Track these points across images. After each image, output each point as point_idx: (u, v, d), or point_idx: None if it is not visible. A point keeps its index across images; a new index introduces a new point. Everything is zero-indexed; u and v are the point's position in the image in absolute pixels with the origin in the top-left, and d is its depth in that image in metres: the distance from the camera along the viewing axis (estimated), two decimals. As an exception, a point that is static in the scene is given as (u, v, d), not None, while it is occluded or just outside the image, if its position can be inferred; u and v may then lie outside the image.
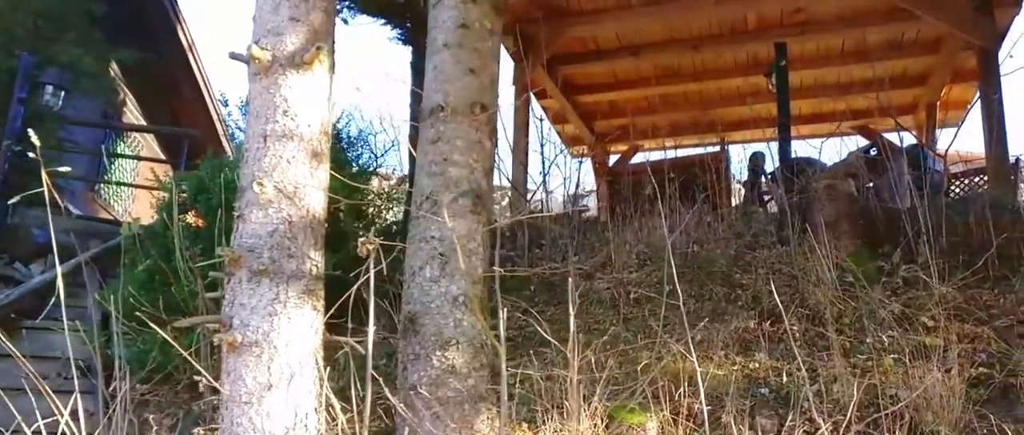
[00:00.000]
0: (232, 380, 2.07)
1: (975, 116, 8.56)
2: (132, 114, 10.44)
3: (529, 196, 8.08)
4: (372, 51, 14.65)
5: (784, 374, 3.55)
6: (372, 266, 2.23)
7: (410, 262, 2.77)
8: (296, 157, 2.22)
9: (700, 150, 9.36)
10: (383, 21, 9.00)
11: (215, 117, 11.22)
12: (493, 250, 4.27)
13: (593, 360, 3.67)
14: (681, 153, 9.71)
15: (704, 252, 4.88)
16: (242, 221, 2.16)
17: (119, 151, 10.19)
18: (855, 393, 3.18)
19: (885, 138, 9.99)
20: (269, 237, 2.15)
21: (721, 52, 8.78)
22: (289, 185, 2.19)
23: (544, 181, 7.31)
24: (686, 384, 3.30)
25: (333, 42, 2.40)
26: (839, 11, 7.93)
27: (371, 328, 2.29)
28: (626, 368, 3.61)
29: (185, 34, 10.30)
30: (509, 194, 8.12)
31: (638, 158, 11.11)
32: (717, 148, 8.90)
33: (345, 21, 7.83)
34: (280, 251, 2.13)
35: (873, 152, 6.77)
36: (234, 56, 2.25)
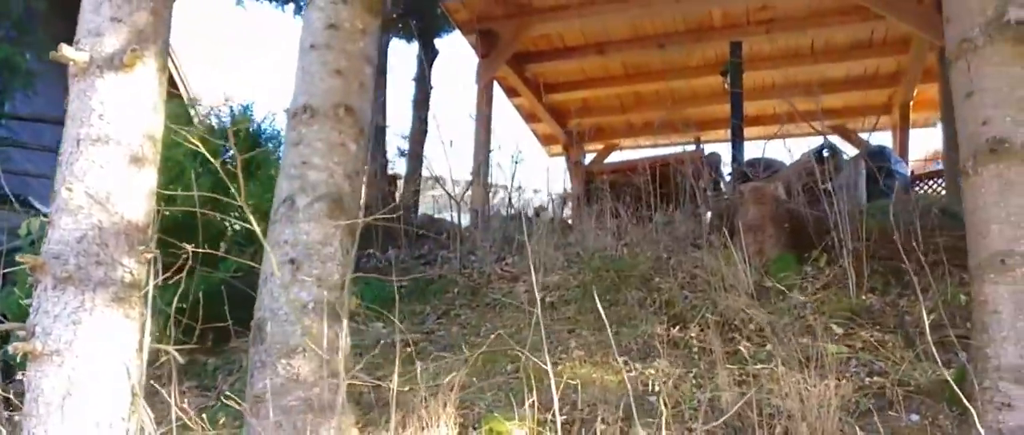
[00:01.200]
0: (32, 390, 2.03)
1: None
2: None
3: (492, 193, 8.05)
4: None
5: (675, 382, 3.48)
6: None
7: (264, 267, 2.72)
8: (111, 162, 2.17)
9: (677, 149, 9.29)
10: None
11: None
12: (400, 249, 4.19)
13: (482, 365, 3.63)
14: (658, 152, 9.70)
15: (629, 255, 4.80)
16: (52, 227, 2.12)
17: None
18: (729, 402, 3.13)
19: (859, 138, 9.88)
20: (77, 243, 2.10)
21: (689, 50, 8.67)
22: (101, 191, 2.15)
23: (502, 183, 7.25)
24: (578, 391, 3.25)
25: (165, 43, 2.35)
26: (805, 9, 7.81)
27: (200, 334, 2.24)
28: (510, 374, 3.55)
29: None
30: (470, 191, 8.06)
31: (618, 157, 11.14)
32: (692, 147, 8.82)
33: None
34: (87, 258, 2.09)
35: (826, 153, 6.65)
36: (54, 58, 2.20)
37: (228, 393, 2.78)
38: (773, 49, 8.72)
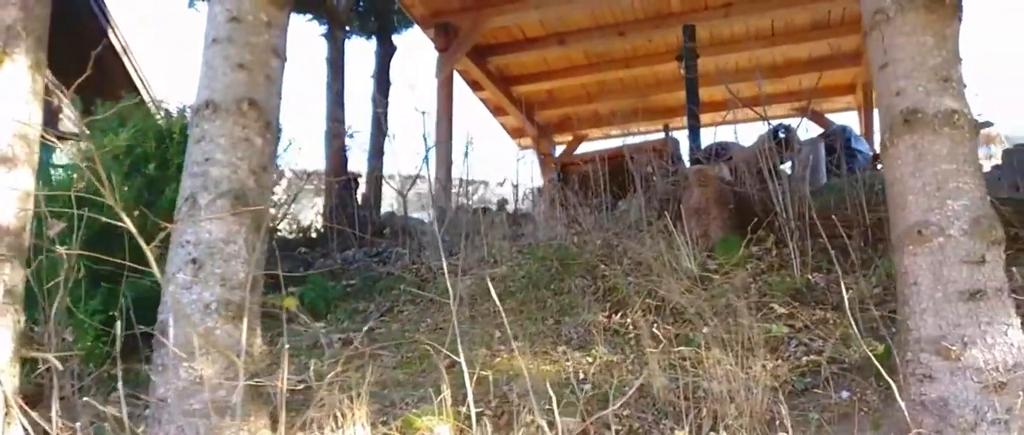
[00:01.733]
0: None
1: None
2: (70, 121, 10.34)
3: (456, 187, 7.99)
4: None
5: (610, 369, 3.44)
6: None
7: (167, 268, 2.66)
8: (-23, 163, 2.11)
9: (646, 137, 9.24)
10: (309, 17, 8.90)
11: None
12: (355, 249, 4.11)
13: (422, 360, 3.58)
14: (626, 141, 9.65)
15: (578, 244, 4.75)
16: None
17: (52, 161, 10.10)
18: (659, 388, 3.09)
19: (826, 119, 9.85)
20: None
21: (649, 36, 8.65)
22: (-34, 193, 2.09)
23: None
24: (516, 383, 3.21)
25: (40, 40, 2.29)
26: (762, -9, 7.79)
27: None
28: (446, 369, 3.49)
29: (118, 38, 10.19)
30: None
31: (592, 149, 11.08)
32: (661, 134, 8.78)
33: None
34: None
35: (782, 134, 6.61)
36: (-79, 59, 2.15)
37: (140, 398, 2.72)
38: (734, 32, 8.69)
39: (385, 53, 8.85)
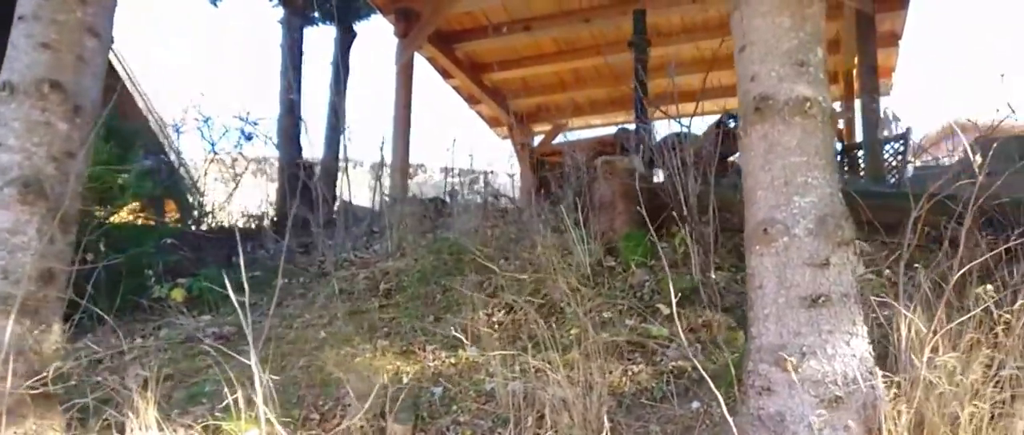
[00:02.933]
0: None
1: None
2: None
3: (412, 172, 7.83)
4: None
5: (474, 372, 3.25)
6: None
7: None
8: None
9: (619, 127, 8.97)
10: (275, 3, 8.79)
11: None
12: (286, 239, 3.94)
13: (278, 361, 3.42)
14: (604, 131, 9.38)
15: (483, 239, 4.56)
16: None
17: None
18: (504, 394, 2.90)
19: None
20: None
21: (617, 23, 8.34)
22: None
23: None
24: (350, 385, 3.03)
25: None
26: (730, -25, 7.45)
27: None
28: (300, 369, 3.34)
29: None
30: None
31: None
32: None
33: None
34: None
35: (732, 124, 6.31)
36: None
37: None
38: (705, 18, 8.38)
39: (345, 40, 8.69)
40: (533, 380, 2.88)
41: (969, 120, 6.88)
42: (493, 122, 10.75)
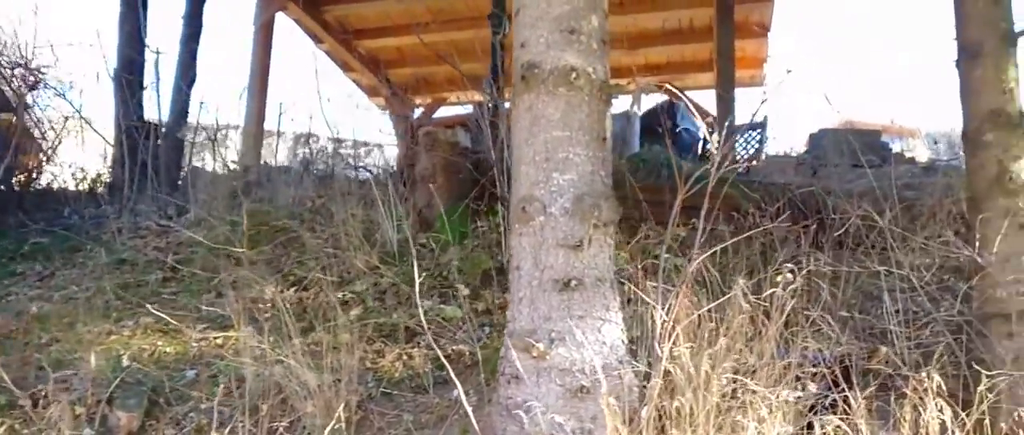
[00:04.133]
0: None
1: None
2: None
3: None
4: None
5: (239, 354, 2.96)
6: None
7: None
8: None
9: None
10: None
11: None
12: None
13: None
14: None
15: (307, 210, 4.26)
16: None
17: None
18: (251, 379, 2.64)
19: (684, 96, 9.54)
20: None
21: (498, -5, 8.08)
22: None
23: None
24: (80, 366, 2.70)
25: None
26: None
27: None
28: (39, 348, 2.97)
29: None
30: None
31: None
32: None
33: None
34: None
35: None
36: None
37: None
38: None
39: (197, -10, 8.08)
40: (295, 364, 2.63)
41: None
42: (371, 92, 10.34)
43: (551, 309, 2.31)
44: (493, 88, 6.11)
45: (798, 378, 2.41)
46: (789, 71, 3.53)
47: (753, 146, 6.90)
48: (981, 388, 2.18)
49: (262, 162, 7.15)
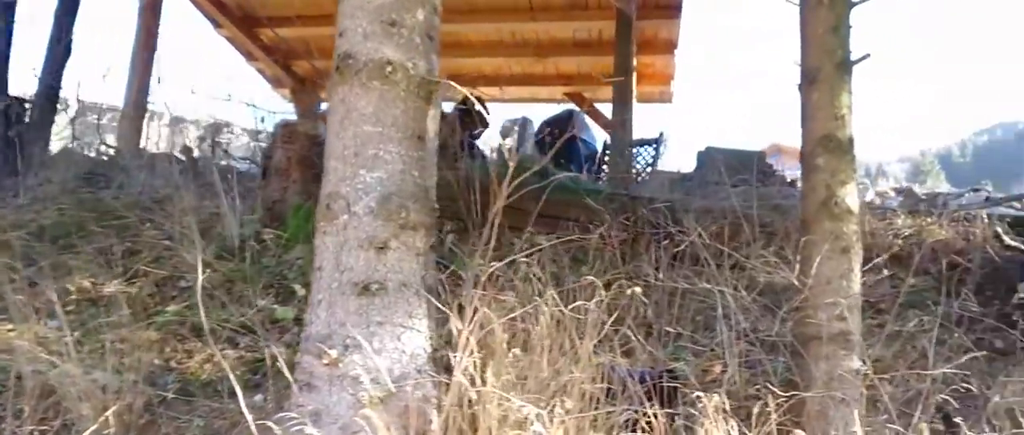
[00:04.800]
0: None
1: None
2: None
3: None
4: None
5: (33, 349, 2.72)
6: None
7: None
8: None
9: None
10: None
11: None
12: None
13: None
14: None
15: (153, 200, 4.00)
16: None
17: None
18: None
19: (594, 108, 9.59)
20: None
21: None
22: None
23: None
24: None
25: None
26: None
27: None
28: None
29: None
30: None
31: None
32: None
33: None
34: None
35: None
36: None
37: None
38: (491, 1, 8.16)
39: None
40: (69, 362, 2.43)
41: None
42: (276, 83, 10.02)
43: (348, 314, 2.19)
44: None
45: (610, 394, 2.37)
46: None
47: (647, 160, 6.95)
48: (770, 408, 2.16)
49: (142, 147, 6.80)
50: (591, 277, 2.26)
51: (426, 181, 2.35)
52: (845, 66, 2.90)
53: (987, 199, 5.75)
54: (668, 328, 2.98)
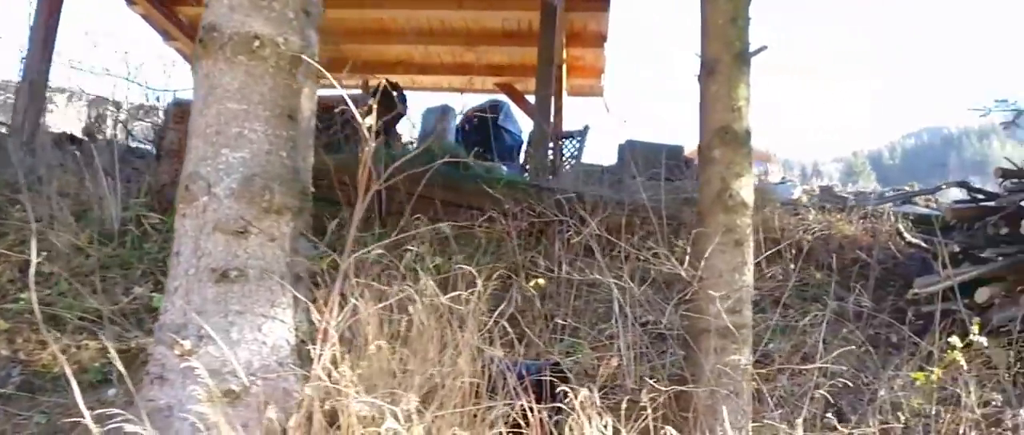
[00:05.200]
0: None
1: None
2: None
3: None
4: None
5: None
6: None
7: None
8: None
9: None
10: None
11: None
12: None
13: None
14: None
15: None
16: None
17: None
18: None
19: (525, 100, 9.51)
20: None
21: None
22: None
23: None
24: None
25: None
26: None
27: None
28: None
29: None
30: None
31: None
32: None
33: None
34: None
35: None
36: None
37: None
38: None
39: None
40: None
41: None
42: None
43: (205, 302, 2.05)
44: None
45: (491, 389, 2.28)
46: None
47: (572, 152, 6.92)
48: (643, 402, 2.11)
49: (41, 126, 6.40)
50: (463, 266, 2.16)
51: (297, 162, 2.22)
52: (743, 57, 2.88)
53: (882, 196, 5.90)
54: (563, 321, 2.91)
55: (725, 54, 2.87)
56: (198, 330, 2.02)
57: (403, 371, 2.10)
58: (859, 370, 3.40)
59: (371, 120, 1.94)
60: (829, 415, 3.24)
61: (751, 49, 2.91)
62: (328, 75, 2.28)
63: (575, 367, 2.67)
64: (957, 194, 6.01)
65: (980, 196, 4.65)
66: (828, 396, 2.97)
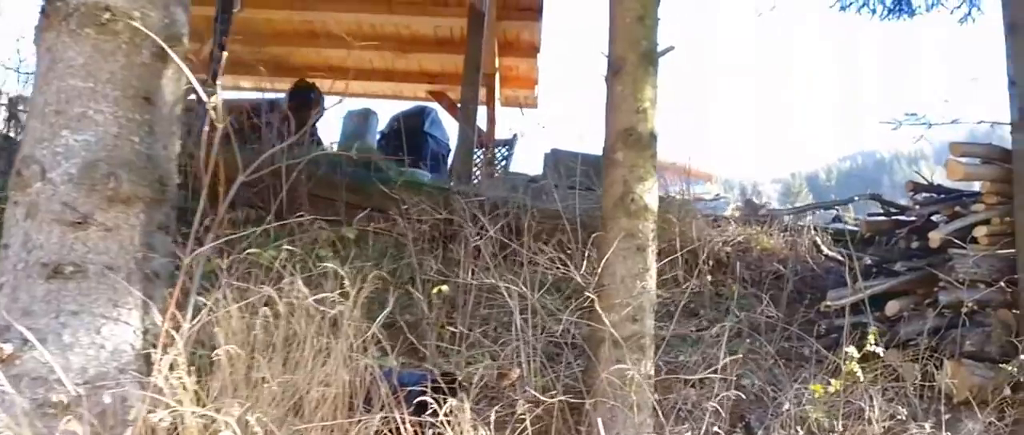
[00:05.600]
0: None
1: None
2: None
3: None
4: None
5: None
6: None
7: None
8: None
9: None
10: None
11: None
12: None
13: None
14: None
15: None
16: None
17: None
18: None
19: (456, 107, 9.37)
20: None
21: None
22: None
23: None
24: None
25: None
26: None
27: None
28: None
29: None
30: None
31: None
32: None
33: None
34: None
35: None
36: None
37: None
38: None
39: None
40: None
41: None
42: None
43: (35, 300, 1.82)
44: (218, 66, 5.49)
45: (367, 401, 2.12)
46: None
47: (500, 161, 6.80)
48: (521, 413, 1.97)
49: None
50: (330, 265, 1.99)
51: (154, 149, 2.01)
52: (650, 57, 2.79)
53: (797, 208, 5.95)
54: (467, 330, 2.76)
55: (631, 53, 2.78)
56: (23, 332, 1.79)
57: (263, 380, 1.91)
58: (769, 383, 3.34)
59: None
60: (737, 430, 3.17)
61: (659, 49, 2.83)
62: (194, 58, 2.09)
63: (473, 378, 2.51)
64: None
65: (893, 210, 4.70)
66: (736, 410, 2.89)
